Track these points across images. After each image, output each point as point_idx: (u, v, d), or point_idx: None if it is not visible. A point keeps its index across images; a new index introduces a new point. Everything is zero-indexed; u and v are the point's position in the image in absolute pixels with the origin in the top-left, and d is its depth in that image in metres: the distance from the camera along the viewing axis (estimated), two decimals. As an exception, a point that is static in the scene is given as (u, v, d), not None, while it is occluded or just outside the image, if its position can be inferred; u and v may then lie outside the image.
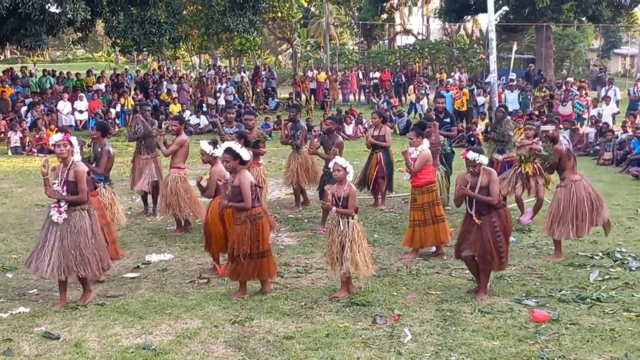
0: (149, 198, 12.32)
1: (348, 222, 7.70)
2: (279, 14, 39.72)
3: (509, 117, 13.08)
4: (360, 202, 12.99)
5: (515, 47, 30.58)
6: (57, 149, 7.41)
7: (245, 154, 7.73)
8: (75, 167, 7.45)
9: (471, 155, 7.69)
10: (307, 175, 12.47)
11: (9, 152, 20.63)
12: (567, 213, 9.13)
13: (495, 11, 30.66)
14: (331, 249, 7.71)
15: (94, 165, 9.71)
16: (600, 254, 9.45)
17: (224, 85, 29.52)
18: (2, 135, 22.36)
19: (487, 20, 20.17)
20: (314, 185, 12.68)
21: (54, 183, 7.38)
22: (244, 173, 7.70)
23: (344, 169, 7.74)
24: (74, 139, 7.58)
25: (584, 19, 39.58)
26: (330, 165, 7.89)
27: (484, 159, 7.72)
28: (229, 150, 7.69)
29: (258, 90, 31.33)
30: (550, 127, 9.44)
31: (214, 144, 8.98)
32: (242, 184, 7.59)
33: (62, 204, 7.33)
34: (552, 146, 9.23)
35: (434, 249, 9.67)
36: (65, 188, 7.35)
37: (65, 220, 7.33)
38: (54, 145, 7.45)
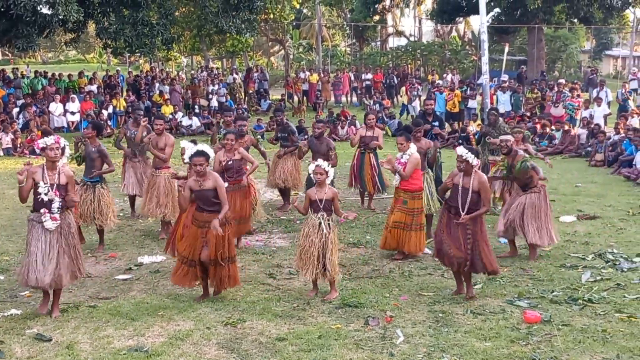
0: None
1: (329, 224, 7.72)
2: (271, 16, 39.72)
3: (501, 119, 13.11)
4: (353, 204, 13.02)
5: (507, 49, 30.67)
6: (51, 152, 7.18)
7: (212, 155, 7.73)
8: (66, 171, 7.30)
9: (460, 150, 7.67)
10: (292, 178, 12.48)
11: (1, 153, 20.56)
12: (548, 215, 9.31)
13: (487, 13, 30.70)
14: (310, 252, 7.68)
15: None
16: (592, 255, 9.48)
17: (216, 87, 29.49)
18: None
19: (479, 22, 20.26)
20: (296, 188, 12.71)
21: (39, 185, 7.09)
22: (216, 175, 7.60)
23: (326, 172, 7.77)
24: (63, 141, 7.44)
25: (575, 20, 39.76)
26: (311, 168, 7.88)
27: (473, 159, 7.63)
28: (202, 153, 7.49)
29: (250, 91, 31.31)
30: (510, 138, 9.43)
31: (194, 143, 8.95)
32: (220, 187, 7.47)
33: (54, 209, 7.12)
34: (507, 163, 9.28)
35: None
36: (57, 192, 7.15)
37: (59, 226, 7.16)
38: (47, 149, 7.20)
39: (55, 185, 7.15)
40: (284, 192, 12.96)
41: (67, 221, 7.26)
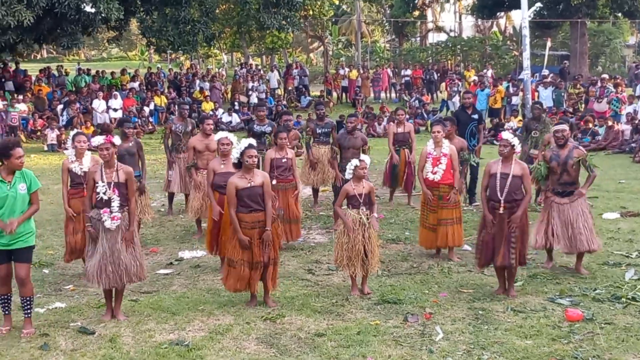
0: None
1: (368, 218, 7.70)
2: (311, 12, 39.79)
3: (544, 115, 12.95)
4: (395, 200, 12.98)
5: (549, 44, 30.24)
6: (101, 152, 7.06)
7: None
8: (123, 168, 7.12)
9: (506, 134, 7.69)
10: (323, 175, 12.36)
11: (45, 149, 20.98)
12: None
13: (529, 7, 30.36)
14: (357, 249, 7.63)
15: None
16: (636, 252, 9.32)
17: (256, 84, 29.64)
18: (39, 132, 22.73)
19: (521, 17, 20.03)
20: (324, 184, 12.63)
21: (97, 185, 6.94)
22: (261, 170, 7.54)
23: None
24: (117, 139, 7.23)
25: (619, 14, 39.06)
26: (355, 163, 7.70)
27: (518, 144, 7.64)
28: (254, 146, 7.35)
29: (289, 88, 31.41)
30: (566, 128, 8.71)
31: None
32: (268, 182, 7.37)
33: (113, 208, 6.93)
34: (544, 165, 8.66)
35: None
36: (116, 191, 6.99)
37: (118, 226, 6.97)
38: (98, 148, 7.06)
39: (112, 183, 6.97)
40: (316, 191, 12.90)
41: (126, 220, 7.05)
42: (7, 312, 6.91)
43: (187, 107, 12.70)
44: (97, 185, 6.98)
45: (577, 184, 8.58)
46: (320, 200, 13.03)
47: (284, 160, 9.74)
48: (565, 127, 8.71)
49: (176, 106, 14.53)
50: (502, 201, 7.57)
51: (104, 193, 6.95)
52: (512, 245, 7.57)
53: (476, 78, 28.26)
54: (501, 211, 7.56)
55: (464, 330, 6.75)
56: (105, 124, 11.01)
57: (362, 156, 7.87)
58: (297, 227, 9.96)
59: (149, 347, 6.41)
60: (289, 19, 27.68)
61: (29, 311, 6.87)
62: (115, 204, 6.96)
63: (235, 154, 7.37)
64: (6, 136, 20.35)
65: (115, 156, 7.15)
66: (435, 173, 9.12)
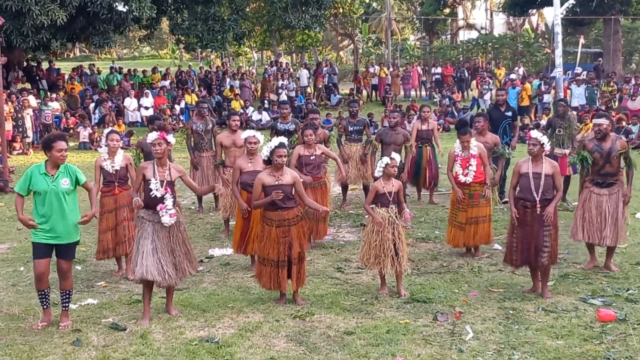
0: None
1: (397, 216, 7.66)
2: (341, 10, 39.78)
3: (573, 112, 12.79)
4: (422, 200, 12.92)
5: (582, 41, 29.87)
6: (153, 148, 6.98)
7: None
8: (175, 167, 7.14)
9: (535, 133, 7.65)
10: (356, 173, 12.26)
11: (78, 147, 21.21)
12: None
13: (562, 4, 30.01)
14: (386, 246, 7.60)
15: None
16: (670, 253, 9.19)
17: (286, 82, 29.69)
18: (72, 130, 23.00)
19: (553, 14, 19.83)
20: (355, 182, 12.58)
21: (150, 182, 6.91)
22: (291, 169, 7.56)
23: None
24: (170, 137, 7.16)
25: (654, 11, 38.45)
26: (387, 161, 7.68)
27: (547, 142, 7.59)
28: (285, 145, 7.38)
29: (319, 86, 31.41)
30: (604, 122, 8.47)
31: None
32: (298, 180, 7.40)
33: (169, 205, 6.89)
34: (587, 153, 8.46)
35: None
36: (168, 189, 6.94)
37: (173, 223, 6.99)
38: (150, 145, 7.08)
39: (165, 181, 6.95)
40: (345, 188, 12.86)
41: (180, 217, 7.10)
42: (46, 307, 7.00)
43: (206, 105, 12.73)
44: (149, 181, 6.95)
45: (618, 175, 8.50)
46: (349, 199, 13.02)
47: (312, 157, 9.74)
48: (603, 121, 8.49)
49: (196, 105, 14.59)
50: (537, 201, 7.52)
51: (157, 190, 6.91)
52: (545, 244, 7.52)
53: (514, 76, 27.95)
54: (538, 212, 7.52)
55: (494, 329, 6.71)
56: (163, 123, 11.04)
57: (393, 154, 7.86)
58: (324, 225, 9.97)
59: (179, 343, 6.46)
60: (316, 18, 27.68)
61: (66, 304, 7.01)
62: (169, 201, 6.91)
63: (265, 152, 7.39)
64: (40, 134, 20.68)
65: (166, 154, 7.11)
66: (466, 175, 9.07)
